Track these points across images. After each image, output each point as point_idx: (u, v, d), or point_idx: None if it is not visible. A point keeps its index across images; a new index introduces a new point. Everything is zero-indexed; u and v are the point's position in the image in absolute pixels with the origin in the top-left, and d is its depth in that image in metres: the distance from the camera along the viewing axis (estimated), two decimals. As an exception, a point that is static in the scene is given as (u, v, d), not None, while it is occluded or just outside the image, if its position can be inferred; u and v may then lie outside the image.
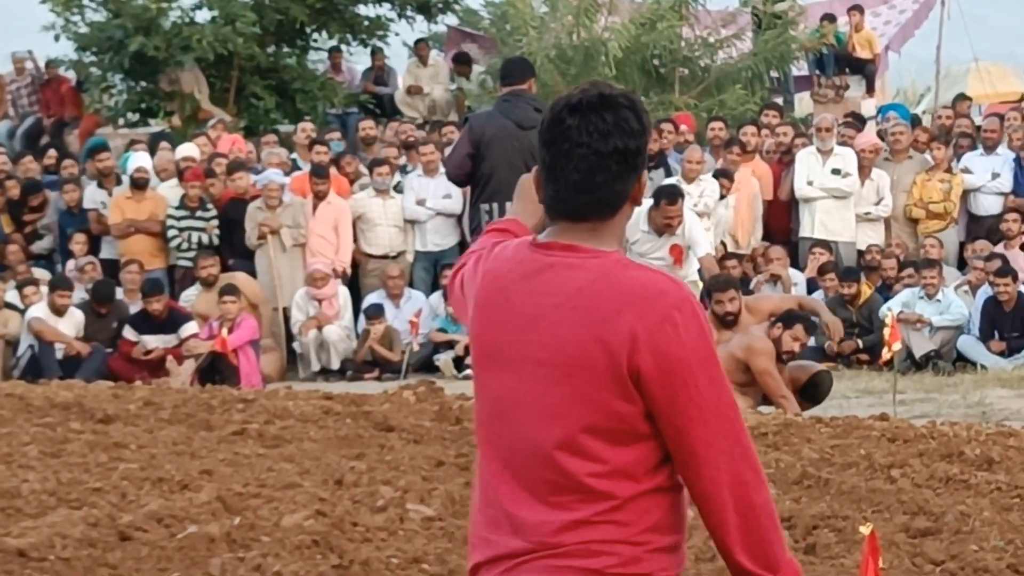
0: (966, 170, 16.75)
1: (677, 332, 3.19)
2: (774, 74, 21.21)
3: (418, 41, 23.01)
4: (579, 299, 3.24)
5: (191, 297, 16.15)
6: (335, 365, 15.82)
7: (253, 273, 16.29)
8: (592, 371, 3.21)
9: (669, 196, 12.54)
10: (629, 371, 3.19)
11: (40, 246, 17.79)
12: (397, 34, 23.74)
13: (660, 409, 3.21)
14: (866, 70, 22.24)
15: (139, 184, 16.77)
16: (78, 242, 16.83)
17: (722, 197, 16.04)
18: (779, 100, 20.87)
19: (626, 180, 3.30)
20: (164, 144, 18.31)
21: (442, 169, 15.77)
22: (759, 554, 3.26)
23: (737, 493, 3.24)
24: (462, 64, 22.07)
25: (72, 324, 15.50)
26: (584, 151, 3.26)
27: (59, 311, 15.48)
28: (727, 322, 11.91)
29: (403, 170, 17.17)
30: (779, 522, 3.32)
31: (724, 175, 16.13)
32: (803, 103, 23.03)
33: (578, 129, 3.26)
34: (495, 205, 12.02)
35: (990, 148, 16.90)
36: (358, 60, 24.15)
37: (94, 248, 16.99)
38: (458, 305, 3.63)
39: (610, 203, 3.30)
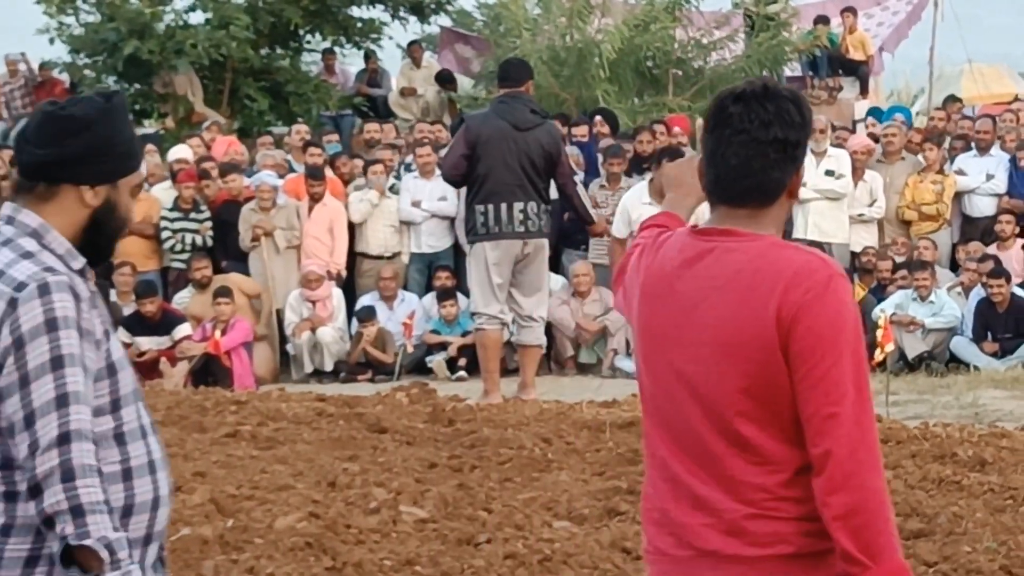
0: (960, 172, 16.75)
1: (820, 306, 3.31)
2: (766, 75, 21.19)
3: (411, 43, 23.01)
4: (738, 280, 3.37)
5: (184, 299, 16.14)
6: (328, 367, 15.81)
7: (247, 275, 16.30)
8: (752, 347, 3.34)
9: (672, 154, 12.56)
10: (780, 344, 3.32)
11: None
12: (391, 37, 23.76)
13: (795, 378, 3.32)
14: (859, 72, 22.28)
15: (132, 186, 16.74)
16: (68, 244, 16.80)
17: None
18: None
19: (783, 170, 3.43)
20: (150, 147, 18.27)
21: (438, 171, 15.79)
22: (862, 539, 3.29)
23: (849, 470, 3.30)
24: (446, 82, 22.05)
25: (65, 326, 15.48)
26: (744, 138, 3.40)
27: (52, 313, 15.45)
28: None
29: (408, 168, 17.15)
30: (892, 515, 3.35)
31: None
32: (796, 104, 23.02)
33: (740, 117, 3.41)
34: (490, 206, 12.03)
35: (983, 149, 16.90)
36: (351, 62, 24.16)
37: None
38: (618, 295, 3.80)
39: (767, 190, 3.44)
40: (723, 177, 3.44)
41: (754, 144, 3.39)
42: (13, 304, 3.48)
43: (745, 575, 3.38)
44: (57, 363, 3.45)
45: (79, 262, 3.65)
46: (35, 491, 3.42)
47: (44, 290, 3.49)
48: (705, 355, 3.40)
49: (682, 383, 3.44)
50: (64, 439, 3.42)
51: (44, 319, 3.46)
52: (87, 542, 3.39)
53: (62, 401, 3.43)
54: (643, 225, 3.94)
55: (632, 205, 12.95)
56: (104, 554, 3.40)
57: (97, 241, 3.70)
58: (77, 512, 3.40)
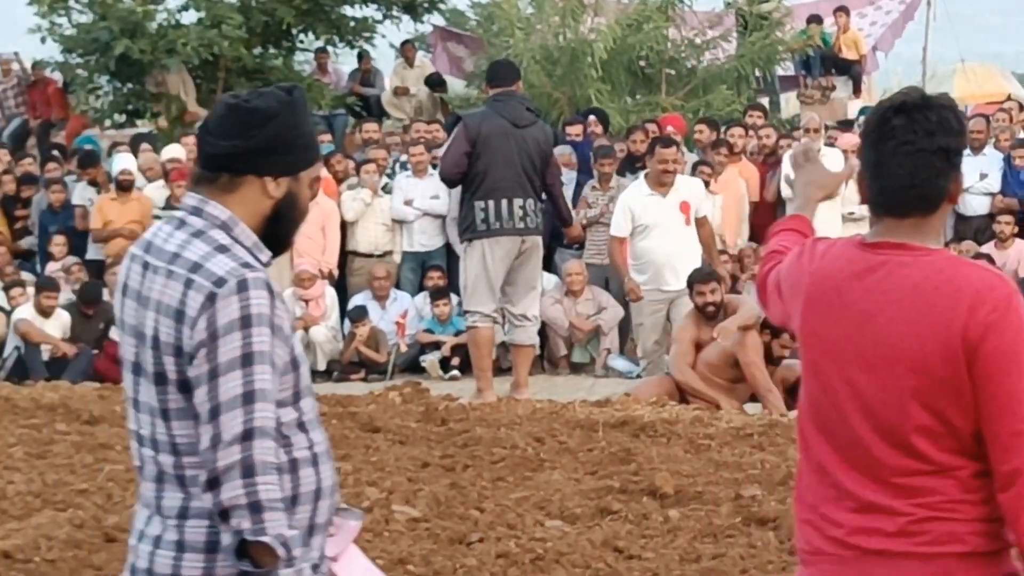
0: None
1: (1005, 324, 3.36)
2: (758, 74, 21.19)
3: (404, 42, 23.00)
4: (916, 295, 3.41)
5: (177, 298, 16.11)
6: (321, 366, 15.78)
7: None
8: (934, 363, 3.38)
9: (664, 141, 12.47)
10: (966, 362, 3.35)
11: (30, 241, 17.78)
12: (384, 36, 23.73)
13: (978, 394, 3.36)
14: (852, 71, 22.29)
15: (124, 186, 16.74)
16: (57, 244, 16.80)
17: (707, 185, 15.71)
18: (766, 101, 20.87)
19: (947, 177, 3.49)
20: (145, 145, 18.28)
21: (431, 170, 15.78)
22: None
23: None
24: (436, 85, 22.04)
25: (58, 325, 15.47)
26: (910, 148, 3.45)
27: (45, 312, 15.45)
28: (708, 313, 12.04)
29: (403, 166, 17.14)
30: None
31: (704, 164, 16.01)
32: (790, 104, 23.05)
33: (903, 128, 3.46)
34: (491, 202, 12.02)
35: (977, 149, 16.92)
36: (344, 61, 24.14)
37: (79, 249, 16.94)
38: (770, 301, 3.84)
39: (932, 199, 3.49)
40: (888, 189, 3.49)
41: (920, 155, 3.45)
42: (212, 298, 3.51)
43: (919, 570, 3.42)
44: (247, 360, 3.47)
45: (266, 255, 3.67)
46: (213, 483, 3.44)
47: (243, 286, 3.51)
48: (880, 368, 3.44)
49: (852, 394, 3.48)
50: (248, 435, 3.44)
51: (240, 315, 3.48)
52: (264, 538, 3.42)
53: (248, 398, 3.45)
54: (775, 230, 4.04)
55: (634, 201, 12.96)
56: (281, 551, 3.43)
57: (277, 232, 3.72)
58: (255, 508, 3.41)
